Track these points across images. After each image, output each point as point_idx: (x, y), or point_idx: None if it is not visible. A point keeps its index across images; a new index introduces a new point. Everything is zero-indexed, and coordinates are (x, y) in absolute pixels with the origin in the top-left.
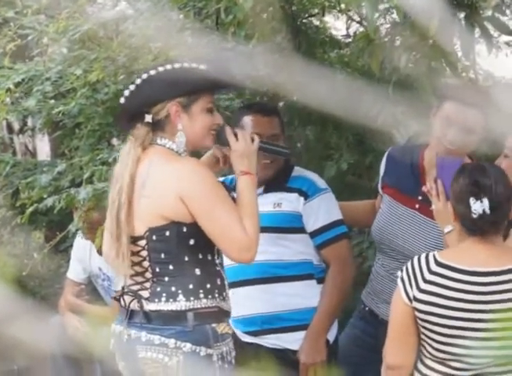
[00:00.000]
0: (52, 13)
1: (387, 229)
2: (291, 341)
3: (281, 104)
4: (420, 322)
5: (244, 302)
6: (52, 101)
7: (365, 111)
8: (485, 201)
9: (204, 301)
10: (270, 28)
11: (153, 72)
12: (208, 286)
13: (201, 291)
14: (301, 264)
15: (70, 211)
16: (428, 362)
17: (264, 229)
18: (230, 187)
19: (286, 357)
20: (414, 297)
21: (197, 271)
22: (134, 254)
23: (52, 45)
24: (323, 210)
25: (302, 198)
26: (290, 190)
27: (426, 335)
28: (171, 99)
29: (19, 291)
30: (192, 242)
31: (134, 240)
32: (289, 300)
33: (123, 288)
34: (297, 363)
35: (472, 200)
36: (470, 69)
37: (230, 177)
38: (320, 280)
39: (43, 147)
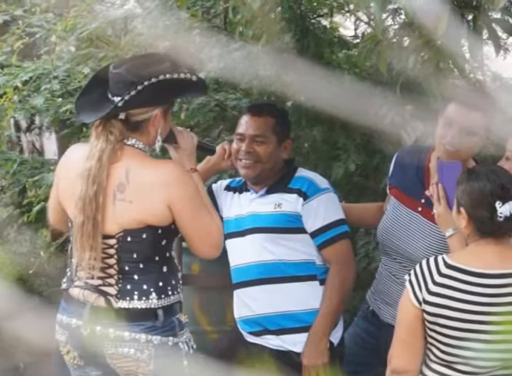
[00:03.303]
0: (61, 12)
1: (390, 230)
2: (295, 343)
3: (289, 104)
4: (428, 325)
5: (248, 303)
6: (60, 99)
7: (373, 112)
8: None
9: (172, 297)
10: (278, 28)
11: (154, 80)
12: (173, 282)
13: (169, 287)
14: (303, 264)
15: None
16: (434, 366)
17: (265, 230)
18: (237, 188)
19: (289, 359)
20: (424, 299)
21: (164, 268)
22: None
23: (60, 43)
24: (322, 210)
25: (301, 199)
26: (290, 191)
27: (434, 338)
28: (161, 104)
29: (26, 290)
30: (163, 242)
31: (103, 237)
32: (291, 301)
33: (71, 280)
34: (301, 366)
35: (498, 204)
36: (478, 70)
37: (238, 179)
38: (323, 281)
39: (50, 146)
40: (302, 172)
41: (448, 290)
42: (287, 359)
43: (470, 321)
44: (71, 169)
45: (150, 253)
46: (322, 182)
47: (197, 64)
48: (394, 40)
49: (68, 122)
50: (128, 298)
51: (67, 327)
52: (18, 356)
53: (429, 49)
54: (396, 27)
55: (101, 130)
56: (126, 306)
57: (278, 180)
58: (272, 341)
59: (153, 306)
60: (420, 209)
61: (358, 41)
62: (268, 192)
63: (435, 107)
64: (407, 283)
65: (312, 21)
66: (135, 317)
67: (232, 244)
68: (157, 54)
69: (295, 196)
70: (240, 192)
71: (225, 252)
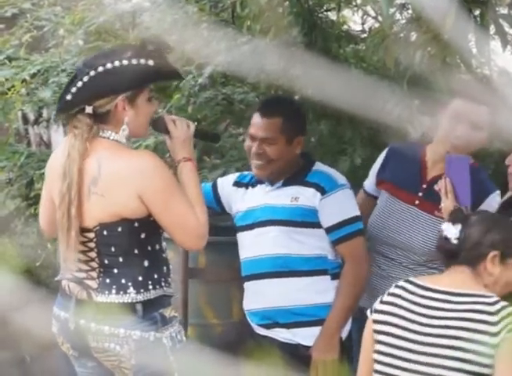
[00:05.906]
0: (69, 5)
1: (384, 224)
2: (304, 336)
3: (296, 98)
4: (376, 336)
5: (258, 296)
6: None
7: (380, 106)
8: None
9: (153, 292)
10: (286, 22)
11: (101, 69)
12: (156, 276)
13: (150, 282)
14: (315, 259)
15: None
16: None
17: (280, 222)
18: (250, 183)
19: (298, 352)
20: (375, 309)
21: (146, 263)
22: (80, 243)
23: (67, 36)
24: (339, 206)
25: (319, 193)
26: (308, 185)
27: (378, 351)
28: (118, 94)
29: (33, 282)
30: (143, 236)
31: (82, 230)
32: (302, 295)
33: (63, 272)
34: (309, 359)
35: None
36: (484, 65)
37: (246, 173)
38: (335, 276)
39: (58, 138)
40: (320, 167)
41: (396, 298)
42: (296, 351)
43: (411, 331)
44: (56, 166)
45: (128, 247)
46: (339, 177)
47: (204, 58)
48: (402, 35)
49: None
50: (106, 292)
51: (58, 319)
52: (24, 348)
53: (436, 44)
54: (403, 21)
55: (70, 126)
56: (104, 300)
57: (295, 173)
58: (282, 334)
59: (130, 301)
60: (417, 202)
61: (365, 35)
62: (285, 184)
63: (442, 102)
64: None
65: (320, 15)
66: (113, 311)
67: (243, 237)
68: (130, 45)
69: (313, 190)
70: (254, 186)
71: (232, 245)
